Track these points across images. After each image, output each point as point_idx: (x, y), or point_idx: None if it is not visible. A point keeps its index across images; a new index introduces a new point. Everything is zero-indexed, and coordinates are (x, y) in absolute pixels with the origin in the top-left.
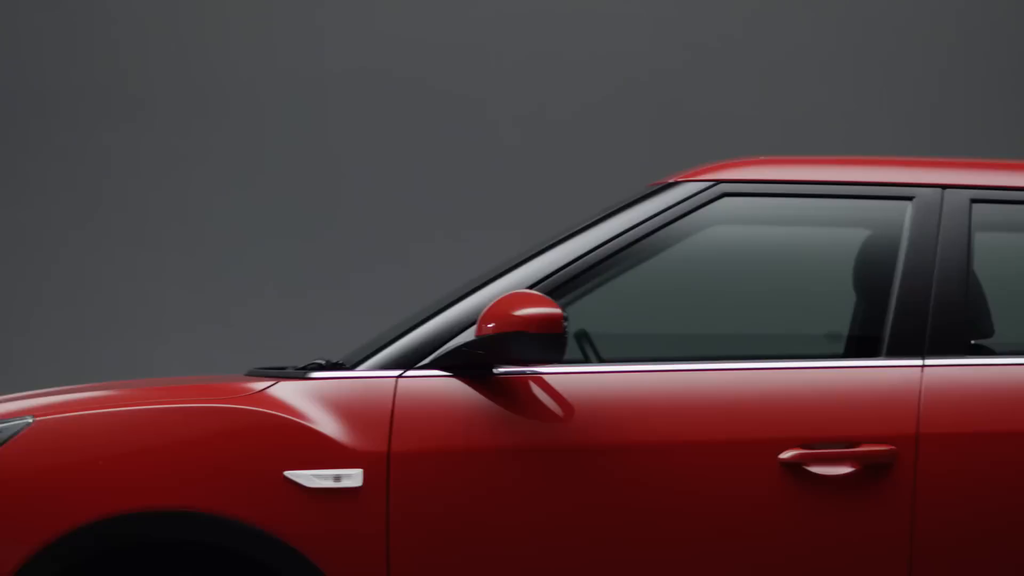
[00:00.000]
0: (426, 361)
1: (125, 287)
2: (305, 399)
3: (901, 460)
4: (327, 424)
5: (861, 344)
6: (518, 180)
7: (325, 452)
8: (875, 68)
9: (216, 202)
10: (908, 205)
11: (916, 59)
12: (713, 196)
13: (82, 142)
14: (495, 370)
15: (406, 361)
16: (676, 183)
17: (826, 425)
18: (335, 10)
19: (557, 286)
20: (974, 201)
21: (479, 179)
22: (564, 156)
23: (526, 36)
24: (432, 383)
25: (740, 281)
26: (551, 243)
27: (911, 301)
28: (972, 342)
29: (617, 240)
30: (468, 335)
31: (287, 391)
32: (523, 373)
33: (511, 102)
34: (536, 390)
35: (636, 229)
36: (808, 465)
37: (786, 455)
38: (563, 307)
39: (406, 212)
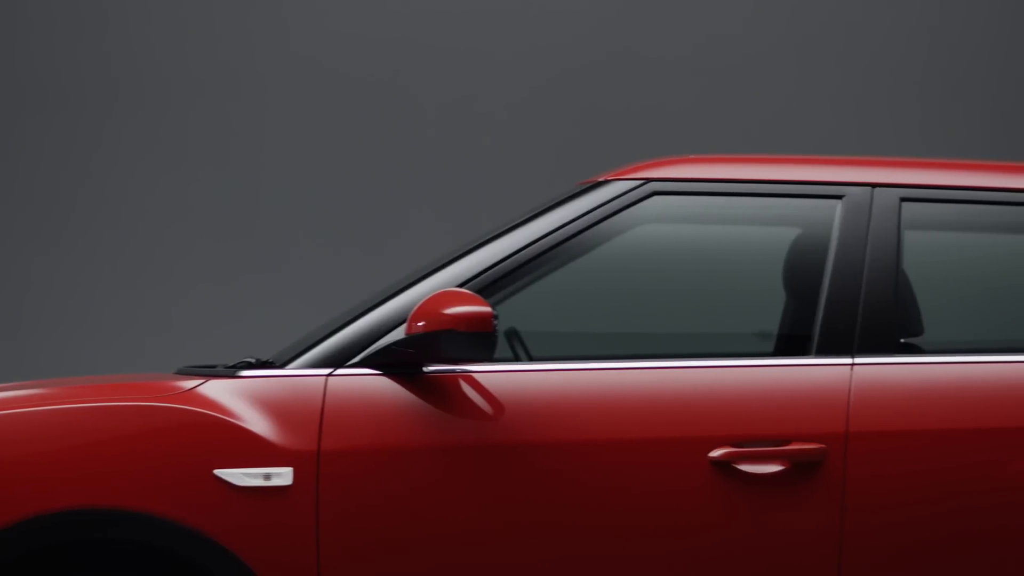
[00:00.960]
0: (356, 359)
1: (55, 285)
2: (235, 397)
3: (831, 458)
4: (257, 422)
5: (791, 343)
6: (449, 176)
7: (255, 450)
8: (808, 65)
9: (148, 199)
10: (838, 204)
11: (850, 56)
12: (643, 195)
13: (3, 136)
14: (425, 368)
15: (336, 359)
16: (606, 182)
17: (756, 423)
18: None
19: (487, 284)
20: (904, 200)
21: (409, 176)
22: (495, 152)
23: (456, 29)
24: (362, 381)
25: (670, 279)
26: (481, 241)
27: (841, 300)
28: (902, 341)
29: (547, 239)
30: (398, 333)
31: (217, 389)
32: (453, 371)
33: (441, 96)
34: (466, 388)
35: (566, 228)
36: (738, 463)
37: (716, 453)
38: (493, 305)
39: (336, 209)
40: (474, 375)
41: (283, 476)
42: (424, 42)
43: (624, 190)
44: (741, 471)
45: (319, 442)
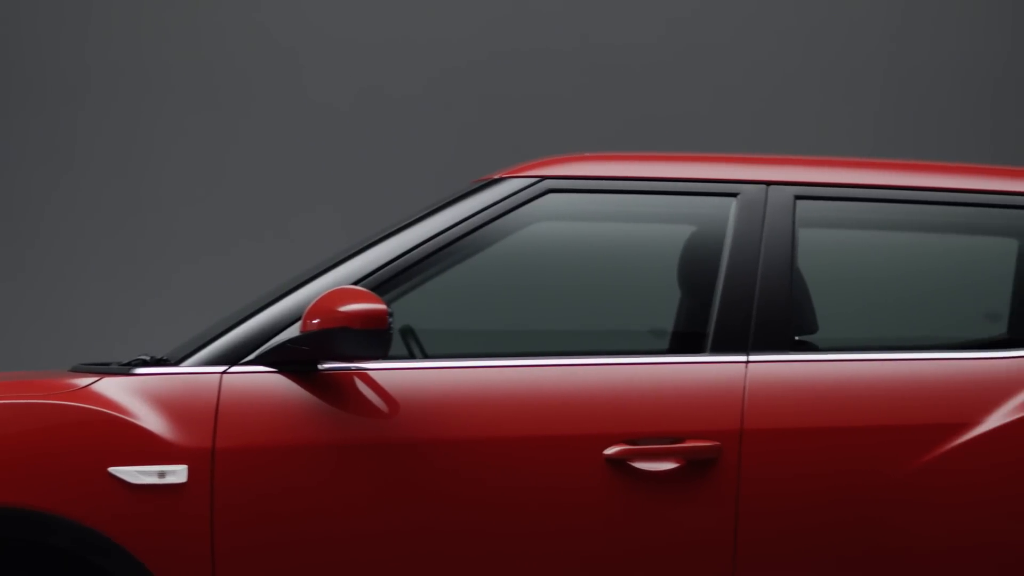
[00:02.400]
0: (251, 357)
1: None
2: (129, 395)
3: (725, 455)
4: (151, 420)
5: (686, 340)
6: (344, 173)
7: (149, 448)
8: (706, 62)
9: (43, 195)
10: (732, 202)
11: (748, 53)
12: (538, 192)
13: None
14: (320, 366)
15: (231, 357)
16: (501, 179)
17: (651, 421)
18: None
19: (382, 282)
20: (798, 198)
21: (305, 172)
22: (391, 149)
23: (348, 22)
24: (257, 379)
25: (565, 277)
26: (376, 239)
27: (735, 297)
28: (796, 338)
29: (442, 236)
30: (293, 331)
31: (111, 387)
32: (348, 369)
33: (336, 92)
34: (361, 386)
35: (461, 225)
36: (633, 461)
37: (611, 451)
38: (388, 303)
39: (231, 205)
40: (369, 372)
41: (177, 474)
42: (319, 35)
43: (519, 187)
44: (636, 468)
45: (214, 440)
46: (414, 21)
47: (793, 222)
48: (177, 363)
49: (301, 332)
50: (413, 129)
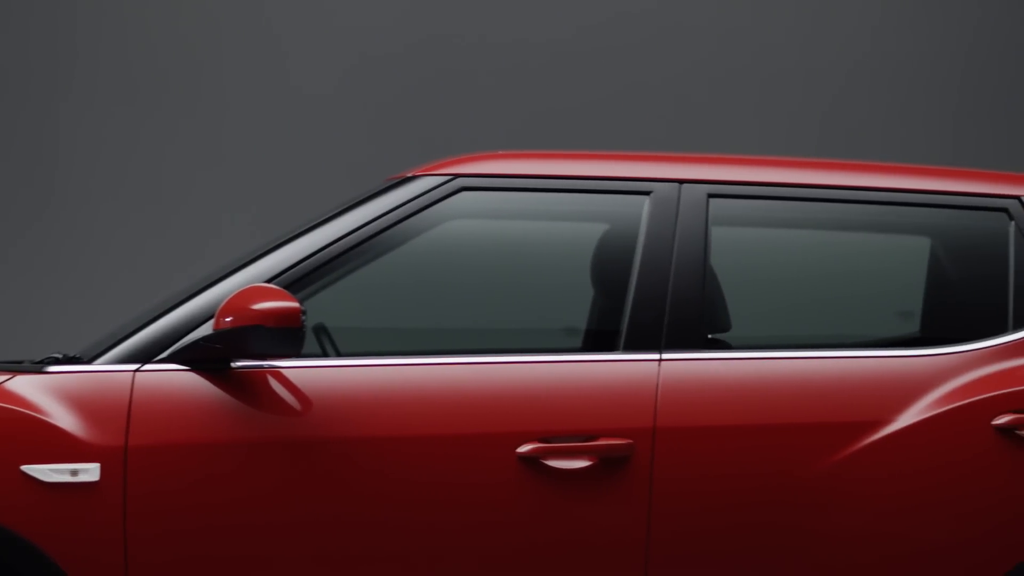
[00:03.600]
0: (164, 355)
1: None
2: (42, 393)
3: (638, 453)
4: (64, 418)
5: (599, 338)
6: (257, 170)
7: (62, 446)
8: (621, 60)
9: None
10: (646, 200)
11: (661, 52)
12: (451, 190)
13: None
14: (233, 364)
15: (144, 355)
16: (414, 177)
17: (564, 419)
18: None
19: (295, 280)
20: (711, 196)
21: (218, 170)
22: (303, 146)
23: (254, 18)
24: (170, 377)
25: (479, 275)
26: (289, 237)
27: (648, 295)
28: (709, 336)
29: (355, 234)
30: (206, 329)
31: (23, 385)
32: (261, 367)
33: (250, 88)
34: (274, 384)
35: (374, 223)
36: (546, 459)
37: (524, 449)
38: (301, 301)
39: (144, 203)
40: (282, 371)
41: (90, 472)
42: (232, 33)
43: (432, 185)
44: (549, 466)
45: (126, 438)
46: (324, 17)
47: (706, 220)
48: (90, 361)
49: (214, 330)
50: (324, 126)
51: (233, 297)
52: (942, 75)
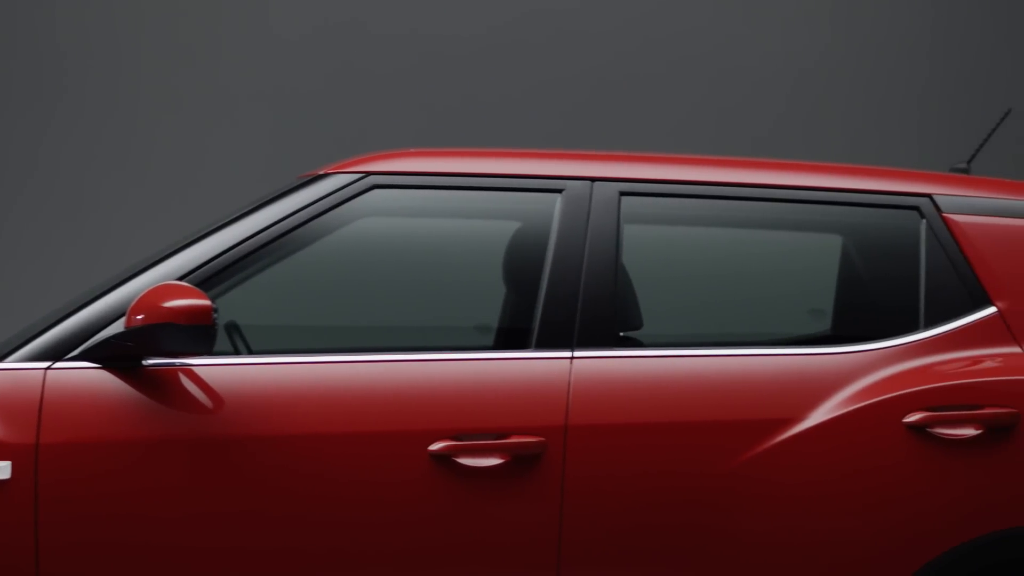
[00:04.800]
0: (75, 353)
1: None
2: None
3: (550, 451)
4: None
5: (511, 336)
6: (168, 168)
7: None
8: (536, 58)
9: None
10: (558, 198)
11: (572, 49)
12: (363, 188)
13: None
14: (144, 362)
15: (55, 353)
16: (326, 175)
17: (476, 417)
18: None
19: (207, 277)
20: (623, 194)
21: (134, 168)
22: (216, 145)
23: (167, 18)
24: (81, 375)
25: (391, 273)
26: (201, 234)
27: (560, 293)
28: (621, 334)
29: (267, 232)
30: (118, 327)
31: None
32: (172, 365)
33: (159, 88)
34: (185, 382)
35: (286, 220)
36: (457, 457)
37: (435, 447)
38: (213, 298)
39: (62, 200)
40: (193, 368)
41: (1, 470)
42: (138, 33)
43: (344, 183)
44: (460, 464)
45: (37, 436)
46: (235, 15)
47: (618, 218)
48: (1, 359)
49: (126, 328)
50: (233, 125)
51: (144, 295)
52: (860, 73)
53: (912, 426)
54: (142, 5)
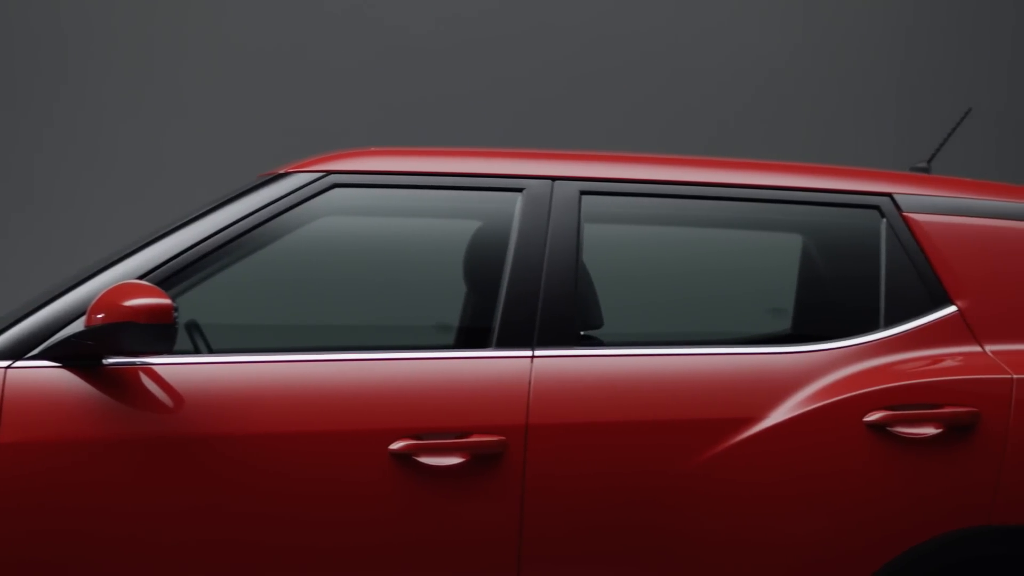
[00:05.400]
0: (35, 352)
1: None
2: None
3: (511, 450)
4: None
5: (472, 335)
6: (131, 166)
7: None
8: (497, 56)
9: None
10: (518, 197)
11: (530, 47)
12: (324, 187)
13: None
14: (105, 361)
15: (15, 351)
16: (287, 174)
17: (437, 416)
18: None
19: (167, 276)
20: (583, 193)
21: (92, 167)
22: (177, 144)
23: (120, 16)
24: (41, 374)
25: (352, 272)
26: (162, 233)
27: (521, 292)
28: (581, 333)
29: (228, 231)
30: (78, 325)
31: None
32: (133, 364)
33: (115, 87)
34: (146, 381)
35: (247, 220)
36: (418, 456)
37: (396, 446)
38: (173, 297)
39: (12, 199)
40: (154, 367)
41: None
42: (92, 28)
43: (305, 182)
44: (421, 463)
45: None
46: (190, 14)
47: (578, 217)
48: None
49: (86, 327)
50: (195, 124)
51: (105, 294)
52: (821, 72)
53: (872, 425)
54: (99, 4)
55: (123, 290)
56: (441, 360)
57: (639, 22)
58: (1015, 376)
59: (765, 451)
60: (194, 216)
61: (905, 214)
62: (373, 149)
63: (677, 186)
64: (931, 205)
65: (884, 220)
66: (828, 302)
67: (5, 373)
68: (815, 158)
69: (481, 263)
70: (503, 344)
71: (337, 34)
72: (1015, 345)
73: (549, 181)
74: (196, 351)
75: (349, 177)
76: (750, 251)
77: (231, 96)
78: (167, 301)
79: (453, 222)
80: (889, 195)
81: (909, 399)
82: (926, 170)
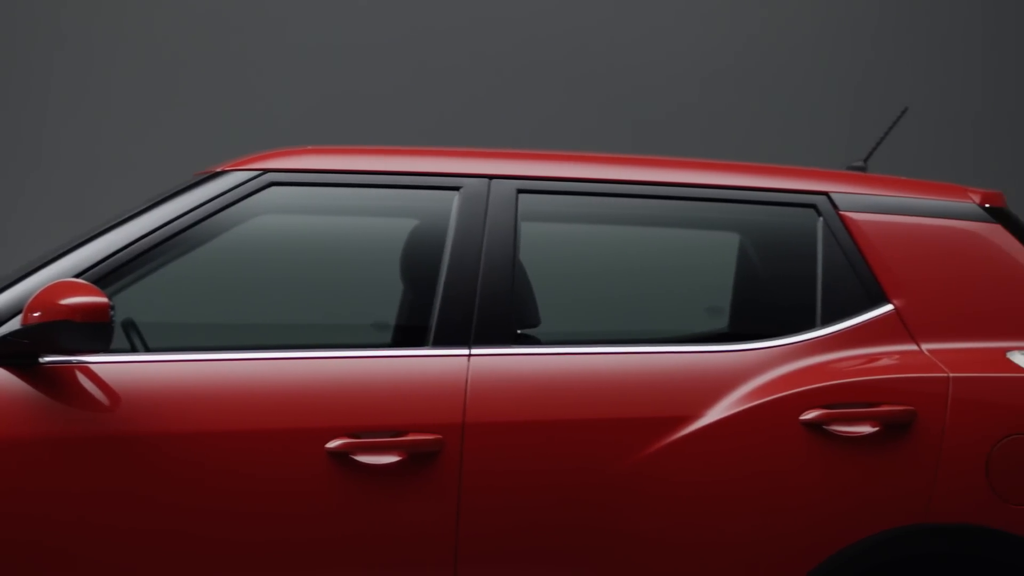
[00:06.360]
0: None
1: None
2: None
3: (448, 449)
4: None
5: (408, 333)
6: (69, 166)
7: None
8: (433, 53)
9: None
10: (455, 195)
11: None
12: (260, 185)
13: None
14: (41, 359)
15: None
16: (223, 172)
17: (373, 415)
18: None
19: (104, 275)
20: (520, 191)
21: (28, 165)
22: (111, 144)
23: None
24: None
25: (289, 270)
26: (98, 232)
27: (457, 291)
28: (518, 332)
29: (165, 229)
30: (14, 324)
31: None
32: (69, 363)
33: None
34: (82, 379)
35: (184, 218)
36: (355, 454)
37: (333, 444)
38: (110, 296)
39: None
40: (90, 366)
41: None
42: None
43: (241, 180)
44: (358, 462)
45: None
46: (132, 12)
47: (515, 216)
48: None
49: (22, 325)
50: (130, 122)
51: (41, 292)
52: (758, 71)
53: (809, 424)
54: (28, 5)
55: (60, 288)
56: (378, 359)
57: (577, 20)
58: (951, 375)
59: (701, 450)
60: (131, 214)
61: (842, 213)
62: (310, 148)
63: (614, 185)
64: (868, 204)
65: (821, 219)
66: (765, 301)
67: None
68: (752, 157)
69: (418, 262)
70: (440, 343)
71: (272, 31)
72: (951, 344)
73: (486, 180)
74: (133, 349)
75: (286, 175)
76: (687, 250)
77: (167, 94)
78: (103, 299)
79: (390, 220)
80: (826, 194)
81: (846, 398)
82: (863, 169)
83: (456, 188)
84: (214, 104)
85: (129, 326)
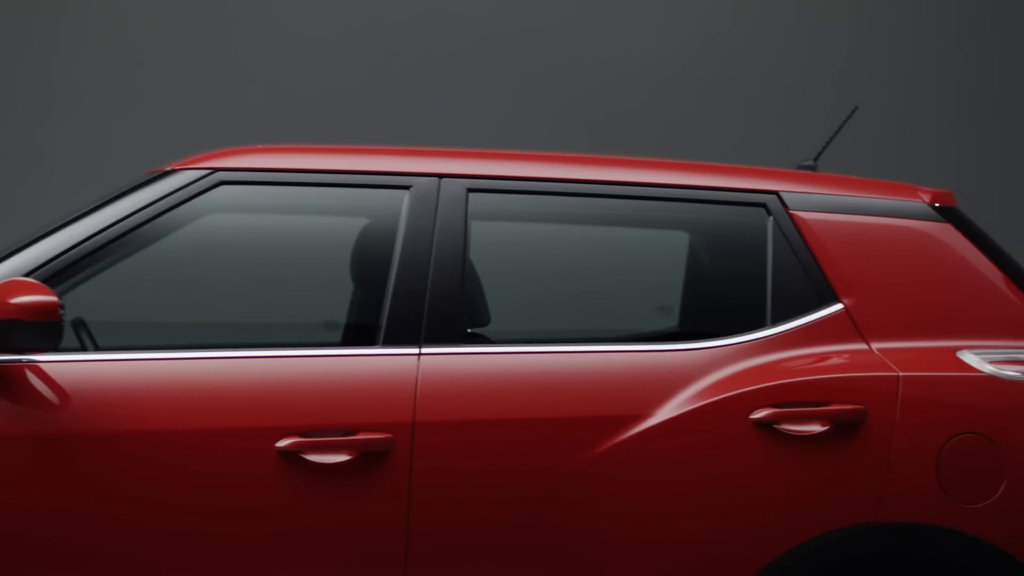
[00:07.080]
0: None
1: None
2: None
3: (398, 448)
4: None
5: (358, 332)
6: (15, 164)
7: None
8: (383, 51)
9: None
10: (405, 194)
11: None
12: (210, 184)
13: None
14: None
15: None
16: (173, 171)
17: (323, 414)
18: None
19: (54, 274)
20: (471, 190)
21: None
22: (58, 143)
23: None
24: None
25: (239, 269)
26: (47, 231)
27: (408, 290)
28: (468, 331)
29: (114, 228)
30: None
31: None
32: (19, 361)
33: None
34: (32, 378)
35: (133, 217)
36: (305, 453)
37: (283, 443)
38: (59, 295)
39: None
40: (40, 365)
41: None
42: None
43: (191, 179)
44: (308, 461)
45: None
46: (81, 8)
47: (465, 214)
48: None
49: None
50: (78, 121)
51: None
52: (707, 70)
53: (759, 423)
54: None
55: (8, 287)
56: (328, 358)
57: (530, 18)
58: (901, 374)
59: (651, 449)
60: (80, 213)
61: (791, 212)
62: (260, 147)
63: (564, 184)
64: (818, 203)
65: (771, 218)
66: (715, 300)
67: None
68: (702, 156)
69: (368, 261)
70: (390, 342)
71: (220, 29)
72: (901, 343)
73: (436, 179)
74: (82, 348)
75: (235, 174)
76: (637, 249)
77: (115, 93)
78: (53, 298)
79: (340, 219)
80: (776, 193)
81: (795, 397)
82: (813, 168)
83: (406, 187)
84: (163, 102)
85: (79, 325)
